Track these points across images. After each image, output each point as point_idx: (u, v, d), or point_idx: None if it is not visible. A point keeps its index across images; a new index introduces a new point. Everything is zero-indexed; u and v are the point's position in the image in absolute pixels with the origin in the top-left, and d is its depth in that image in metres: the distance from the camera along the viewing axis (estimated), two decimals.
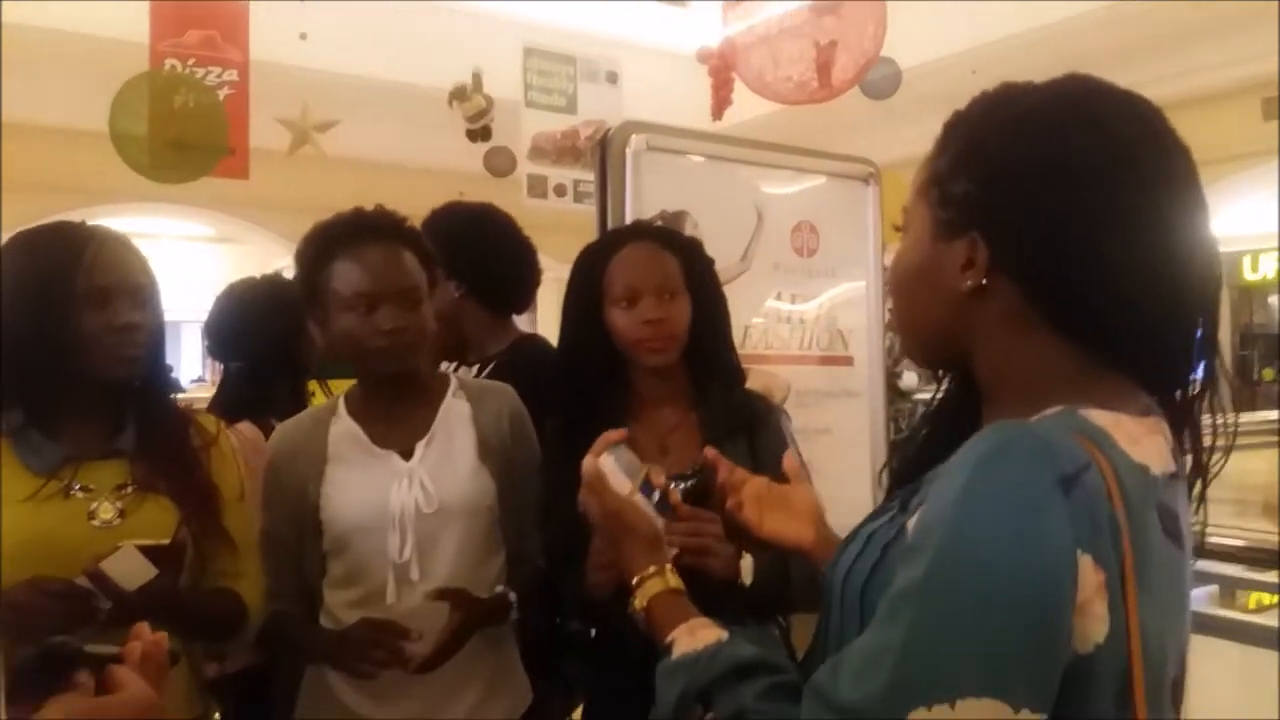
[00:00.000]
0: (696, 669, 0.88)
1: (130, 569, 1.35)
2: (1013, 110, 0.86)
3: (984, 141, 0.86)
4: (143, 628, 0.98)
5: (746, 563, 1.55)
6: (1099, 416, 0.78)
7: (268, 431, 1.98)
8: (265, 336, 2.28)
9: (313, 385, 2.42)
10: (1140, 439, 0.79)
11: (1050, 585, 0.70)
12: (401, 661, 1.52)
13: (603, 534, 1.18)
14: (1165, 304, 0.82)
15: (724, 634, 0.91)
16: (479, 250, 2.29)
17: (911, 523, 0.80)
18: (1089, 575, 0.71)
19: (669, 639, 0.94)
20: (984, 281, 0.84)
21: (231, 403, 2.23)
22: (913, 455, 0.96)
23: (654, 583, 1.03)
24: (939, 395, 1.00)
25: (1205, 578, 2.57)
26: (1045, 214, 0.81)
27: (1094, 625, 0.71)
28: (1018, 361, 0.85)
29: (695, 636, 0.92)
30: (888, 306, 2.81)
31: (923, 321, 0.92)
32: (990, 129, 0.86)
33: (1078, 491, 0.72)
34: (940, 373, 0.98)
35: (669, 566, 1.05)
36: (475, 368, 2.26)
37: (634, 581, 1.04)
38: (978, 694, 0.69)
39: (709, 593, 1.15)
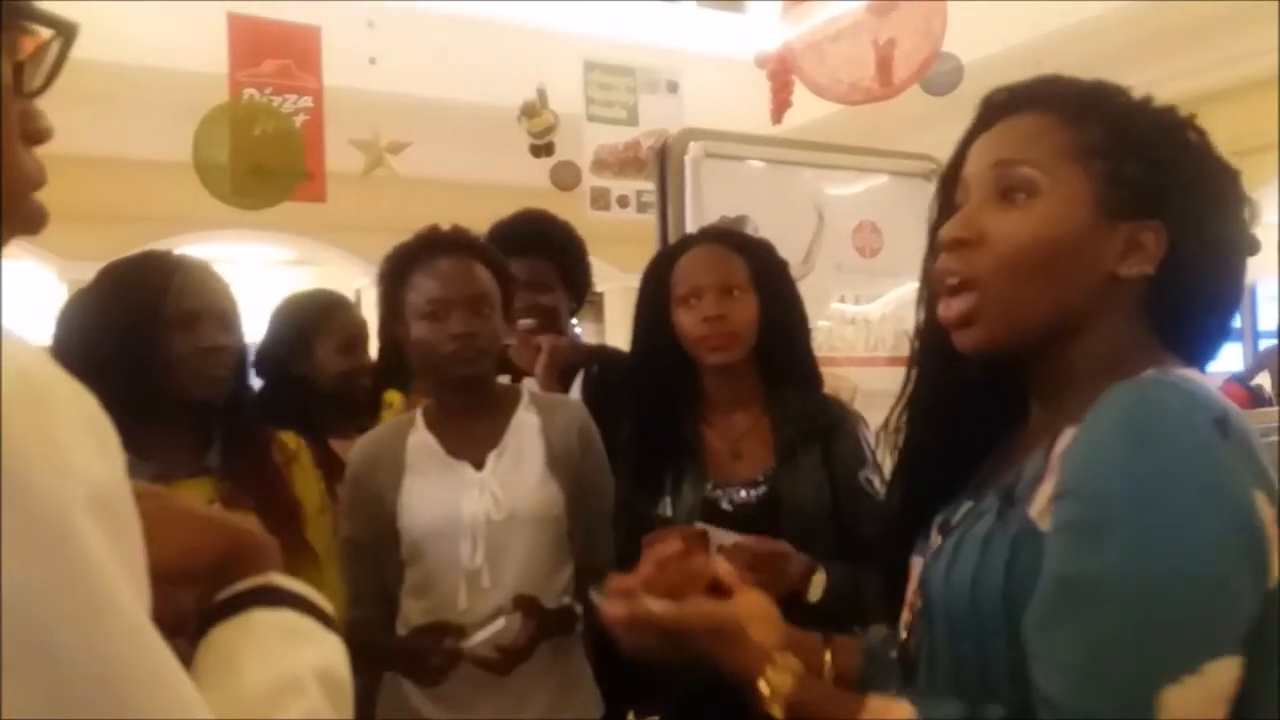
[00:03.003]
0: None
1: None
2: (1144, 104, 0.87)
3: (1147, 131, 0.85)
4: None
5: (818, 578, 1.54)
6: (1192, 374, 0.79)
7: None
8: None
9: (389, 397, 2.49)
10: None
11: (1249, 532, 0.69)
12: (467, 658, 1.56)
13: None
14: (1230, 295, 0.86)
15: (911, 712, 0.80)
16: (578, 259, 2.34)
17: (1035, 510, 0.77)
18: (1266, 511, 0.70)
19: None
20: (1150, 271, 0.82)
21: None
22: (944, 459, 0.94)
23: (780, 678, 0.87)
24: (924, 397, 0.97)
25: None
26: (1215, 213, 0.84)
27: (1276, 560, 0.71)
28: (1111, 347, 0.83)
29: None
30: None
31: (1045, 297, 0.84)
32: (1144, 122, 0.86)
33: (1233, 432, 0.72)
34: (954, 366, 0.93)
35: (779, 653, 0.90)
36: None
37: (757, 684, 0.88)
38: (1216, 654, 0.68)
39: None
